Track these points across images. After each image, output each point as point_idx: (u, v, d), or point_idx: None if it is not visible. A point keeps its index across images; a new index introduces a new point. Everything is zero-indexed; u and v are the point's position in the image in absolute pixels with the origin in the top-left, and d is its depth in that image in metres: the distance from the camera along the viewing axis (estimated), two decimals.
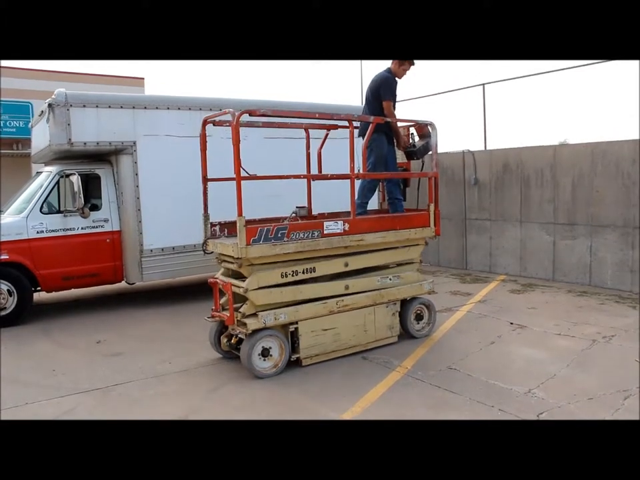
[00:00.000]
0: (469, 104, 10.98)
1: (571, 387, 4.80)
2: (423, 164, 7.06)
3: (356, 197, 5.97)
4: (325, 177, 6.53)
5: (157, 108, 8.18)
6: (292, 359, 5.41)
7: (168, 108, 8.25)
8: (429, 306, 6.46)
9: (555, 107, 10.29)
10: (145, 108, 8.09)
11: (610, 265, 8.63)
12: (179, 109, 8.27)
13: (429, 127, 6.40)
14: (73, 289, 8.46)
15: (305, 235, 5.37)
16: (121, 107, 7.91)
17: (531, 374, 5.13)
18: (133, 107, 8.00)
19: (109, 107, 7.82)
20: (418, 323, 6.41)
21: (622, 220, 8.42)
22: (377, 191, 7.13)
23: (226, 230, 5.90)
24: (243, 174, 4.97)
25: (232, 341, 5.53)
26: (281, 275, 5.37)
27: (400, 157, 6.82)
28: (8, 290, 7.50)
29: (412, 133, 6.73)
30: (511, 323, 6.85)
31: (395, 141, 6.52)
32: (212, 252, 5.74)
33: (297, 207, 6.19)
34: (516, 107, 10.87)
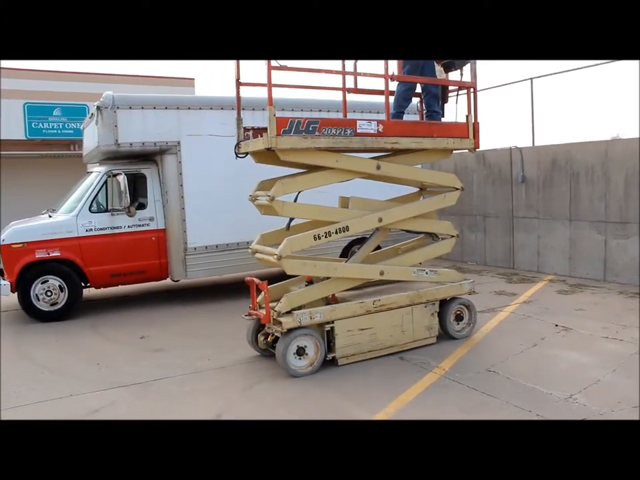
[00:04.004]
0: (517, 99, 10.69)
1: (615, 393, 4.60)
2: (462, 77, 6.51)
3: (391, 108, 5.86)
4: (359, 83, 6.26)
5: (200, 108, 8.33)
6: (328, 359, 5.42)
7: (211, 108, 8.39)
8: (469, 306, 6.33)
9: (607, 101, 9.84)
10: (189, 108, 8.26)
11: None
12: (221, 108, 8.37)
13: None
14: (120, 286, 8.72)
15: (338, 132, 5.25)
16: (166, 108, 8.10)
17: (574, 379, 4.95)
18: (177, 108, 8.18)
19: (154, 108, 8.02)
20: (458, 324, 6.29)
21: None
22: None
23: (259, 135, 5.68)
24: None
25: (268, 339, 5.57)
26: (314, 237, 5.33)
27: (438, 71, 6.54)
28: (59, 286, 7.81)
29: None
30: (556, 325, 6.62)
31: None
32: (245, 154, 5.68)
33: None
34: (565, 102, 10.47)
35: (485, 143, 6.29)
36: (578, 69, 9.61)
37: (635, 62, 8.57)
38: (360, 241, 7.31)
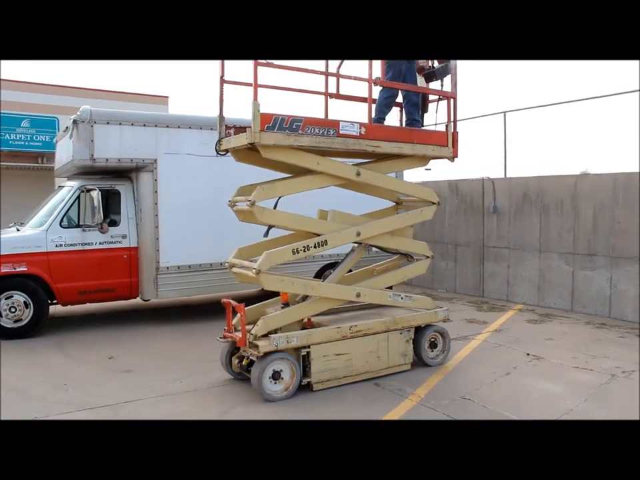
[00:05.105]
0: (490, 132, 10.95)
1: None
2: (442, 87, 6.62)
3: (373, 114, 5.95)
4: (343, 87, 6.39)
5: (179, 127, 8.28)
6: (303, 383, 5.36)
7: (190, 127, 8.34)
8: (443, 334, 6.36)
9: (577, 137, 10.17)
10: (167, 127, 8.19)
11: (631, 297, 8.44)
12: (200, 128, 8.34)
13: None
14: (88, 303, 8.49)
15: (321, 132, 5.29)
16: (144, 125, 8.02)
17: (547, 408, 5.00)
18: (156, 125, 8.11)
19: (132, 124, 7.94)
20: (432, 351, 6.31)
21: None
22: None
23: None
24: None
25: (243, 363, 5.49)
26: (292, 251, 5.32)
27: (420, 81, 6.57)
28: (24, 302, 7.57)
29: None
30: (527, 354, 6.71)
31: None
32: (225, 152, 5.64)
33: None
34: (537, 136, 10.78)
35: (458, 173, 6.39)
36: (550, 105, 9.93)
37: (605, 100, 8.91)
38: (333, 266, 7.33)
